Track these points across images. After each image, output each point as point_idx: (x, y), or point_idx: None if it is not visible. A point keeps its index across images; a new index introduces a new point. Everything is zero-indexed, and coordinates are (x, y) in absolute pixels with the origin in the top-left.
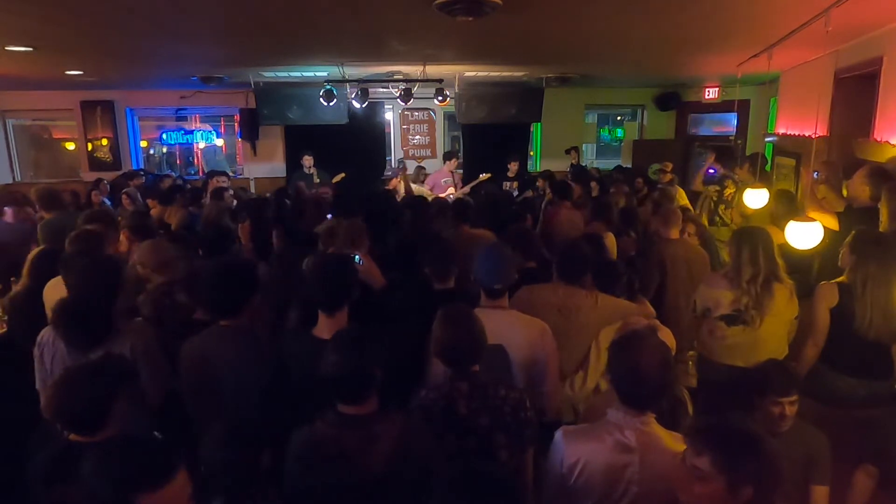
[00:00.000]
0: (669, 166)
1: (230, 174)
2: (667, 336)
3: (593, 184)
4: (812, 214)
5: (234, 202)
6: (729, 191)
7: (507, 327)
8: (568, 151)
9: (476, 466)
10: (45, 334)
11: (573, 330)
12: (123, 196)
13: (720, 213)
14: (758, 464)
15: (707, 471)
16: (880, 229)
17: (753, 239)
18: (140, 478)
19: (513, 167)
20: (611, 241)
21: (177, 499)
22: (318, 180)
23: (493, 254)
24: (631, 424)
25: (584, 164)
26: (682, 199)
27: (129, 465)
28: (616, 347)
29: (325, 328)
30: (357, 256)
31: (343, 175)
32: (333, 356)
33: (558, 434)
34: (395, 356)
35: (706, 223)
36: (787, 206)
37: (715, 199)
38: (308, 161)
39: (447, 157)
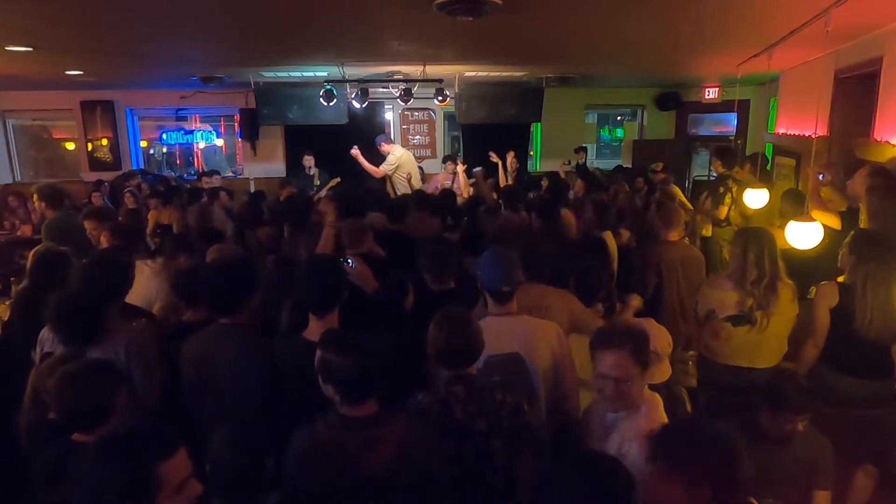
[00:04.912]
0: (661, 166)
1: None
2: (664, 335)
3: (580, 182)
4: (815, 214)
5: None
6: (734, 189)
7: (524, 334)
8: (577, 151)
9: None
10: (46, 333)
11: None
12: (127, 195)
13: (730, 213)
14: (709, 461)
15: (664, 475)
16: (860, 226)
17: (759, 241)
18: (156, 449)
19: (510, 158)
20: (610, 240)
21: (184, 467)
22: (318, 182)
23: (496, 256)
24: None
25: (584, 165)
26: (679, 196)
27: (144, 441)
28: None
29: (315, 331)
30: (350, 260)
31: (338, 180)
32: (338, 358)
33: None
34: (394, 359)
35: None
36: (795, 205)
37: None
38: (308, 161)
39: (445, 160)
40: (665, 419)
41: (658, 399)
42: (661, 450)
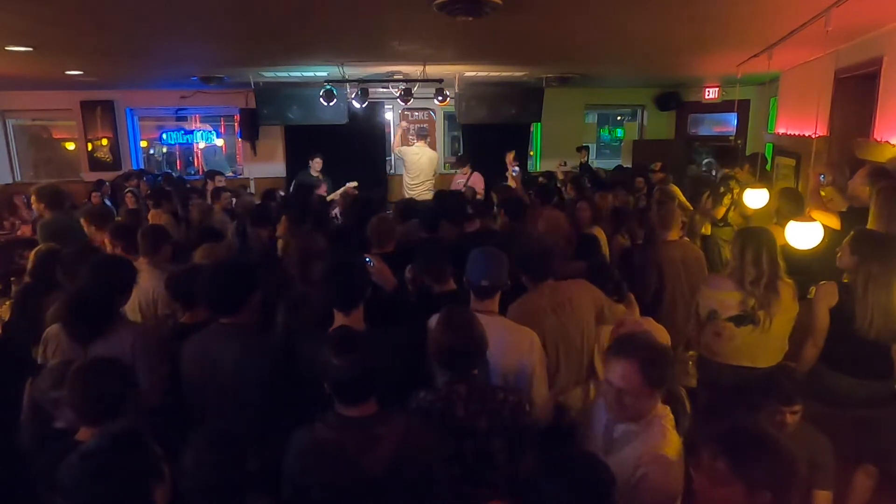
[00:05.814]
0: (659, 166)
1: (226, 174)
2: (662, 334)
3: (570, 185)
4: (814, 214)
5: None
6: (736, 190)
7: (493, 334)
8: (579, 150)
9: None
10: (52, 330)
11: (571, 325)
12: (128, 195)
13: (730, 214)
14: (774, 468)
15: (725, 475)
16: (868, 227)
17: (758, 241)
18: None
19: (509, 157)
20: (600, 234)
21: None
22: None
23: (483, 253)
24: None
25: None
26: (678, 195)
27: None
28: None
29: None
30: (368, 258)
31: (355, 184)
32: (335, 359)
33: None
34: (397, 358)
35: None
36: (793, 205)
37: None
38: (317, 164)
39: (461, 163)
40: (676, 434)
41: (669, 414)
42: (727, 451)
